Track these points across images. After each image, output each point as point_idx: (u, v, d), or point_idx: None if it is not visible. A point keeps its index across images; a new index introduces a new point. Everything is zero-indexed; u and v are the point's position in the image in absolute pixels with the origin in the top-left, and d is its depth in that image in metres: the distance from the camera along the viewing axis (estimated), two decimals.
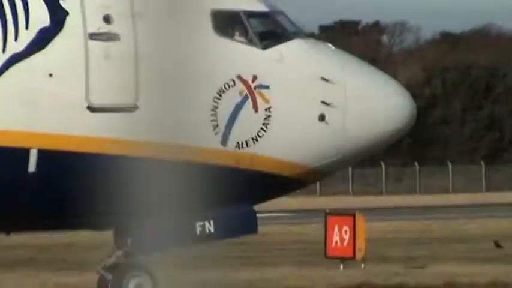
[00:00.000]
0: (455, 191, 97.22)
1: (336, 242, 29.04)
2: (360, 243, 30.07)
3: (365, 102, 22.27)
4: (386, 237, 40.99)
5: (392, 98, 22.76)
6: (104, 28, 21.13)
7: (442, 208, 66.05)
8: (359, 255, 30.65)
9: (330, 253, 29.89)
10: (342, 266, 30.49)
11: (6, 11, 20.69)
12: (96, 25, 21.03)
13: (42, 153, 20.75)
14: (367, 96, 22.33)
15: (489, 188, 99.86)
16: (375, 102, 22.36)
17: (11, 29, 21.08)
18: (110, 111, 21.13)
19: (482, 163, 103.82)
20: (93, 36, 21.04)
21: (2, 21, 20.84)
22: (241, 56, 21.91)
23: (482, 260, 33.02)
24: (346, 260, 30.84)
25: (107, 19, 21.20)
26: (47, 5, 21.10)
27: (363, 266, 30.65)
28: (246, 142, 21.59)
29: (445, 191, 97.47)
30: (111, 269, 21.73)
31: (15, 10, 20.88)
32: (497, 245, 37.11)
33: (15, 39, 20.86)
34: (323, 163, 22.54)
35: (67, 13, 21.20)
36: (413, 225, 50.49)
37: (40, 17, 20.85)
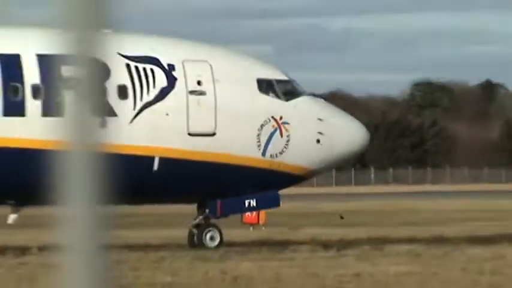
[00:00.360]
0: (318, 185, 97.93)
1: (248, 214, 29.32)
2: (262, 215, 30.52)
3: (342, 132, 24.35)
4: (279, 212, 41.22)
5: (357, 130, 24.90)
6: (197, 88, 23.34)
7: (308, 195, 66.64)
8: (262, 222, 31.16)
9: (244, 220, 30.18)
10: (251, 228, 30.94)
11: (142, 76, 23.33)
12: (193, 86, 23.35)
13: (161, 159, 22.76)
14: (343, 129, 24.41)
15: (337, 184, 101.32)
16: (347, 133, 24.47)
17: (145, 87, 23.38)
18: (200, 135, 23.16)
19: None
20: (191, 92, 23.19)
21: (140, 82, 22.89)
22: (274, 105, 23.96)
23: (333, 225, 33.71)
24: (254, 225, 31.32)
25: (199, 82, 23.25)
26: (165, 75, 23.38)
27: (263, 228, 31.13)
28: (276, 154, 23.69)
29: (311, 185, 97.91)
30: (196, 226, 23.70)
31: (147, 76, 23.17)
32: (341, 217, 37.72)
33: (147, 93, 22.97)
34: (318, 167, 24.93)
35: (176, 79, 23.68)
36: (294, 206, 50.85)
37: (161, 80, 23.01)
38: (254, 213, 29.03)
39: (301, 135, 24.10)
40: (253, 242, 25.22)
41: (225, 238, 23.78)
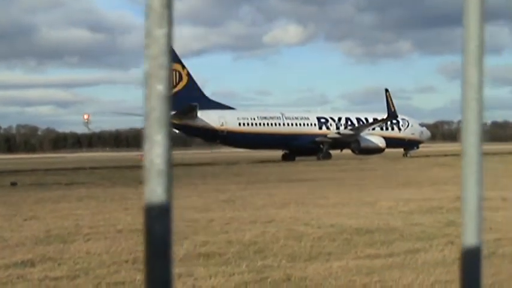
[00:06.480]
0: None
1: None
2: None
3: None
4: None
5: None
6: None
7: None
8: None
9: None
10: None
11: (400, 124, 58.32)
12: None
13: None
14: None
15: None
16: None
17: (396, 128, 57.43)
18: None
19: None
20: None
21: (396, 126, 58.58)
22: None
23: None
24: None
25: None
26: (398, 121, 59.38)
27: None
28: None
29: None
30: None
31: (397, 123, 58.21)
32: None
33: (392, 129, 57.29)
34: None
35: (398, 122, 57.69)
36: None
37: (397, 124, 57.94)
38: None
39: None
40: None
41: None
